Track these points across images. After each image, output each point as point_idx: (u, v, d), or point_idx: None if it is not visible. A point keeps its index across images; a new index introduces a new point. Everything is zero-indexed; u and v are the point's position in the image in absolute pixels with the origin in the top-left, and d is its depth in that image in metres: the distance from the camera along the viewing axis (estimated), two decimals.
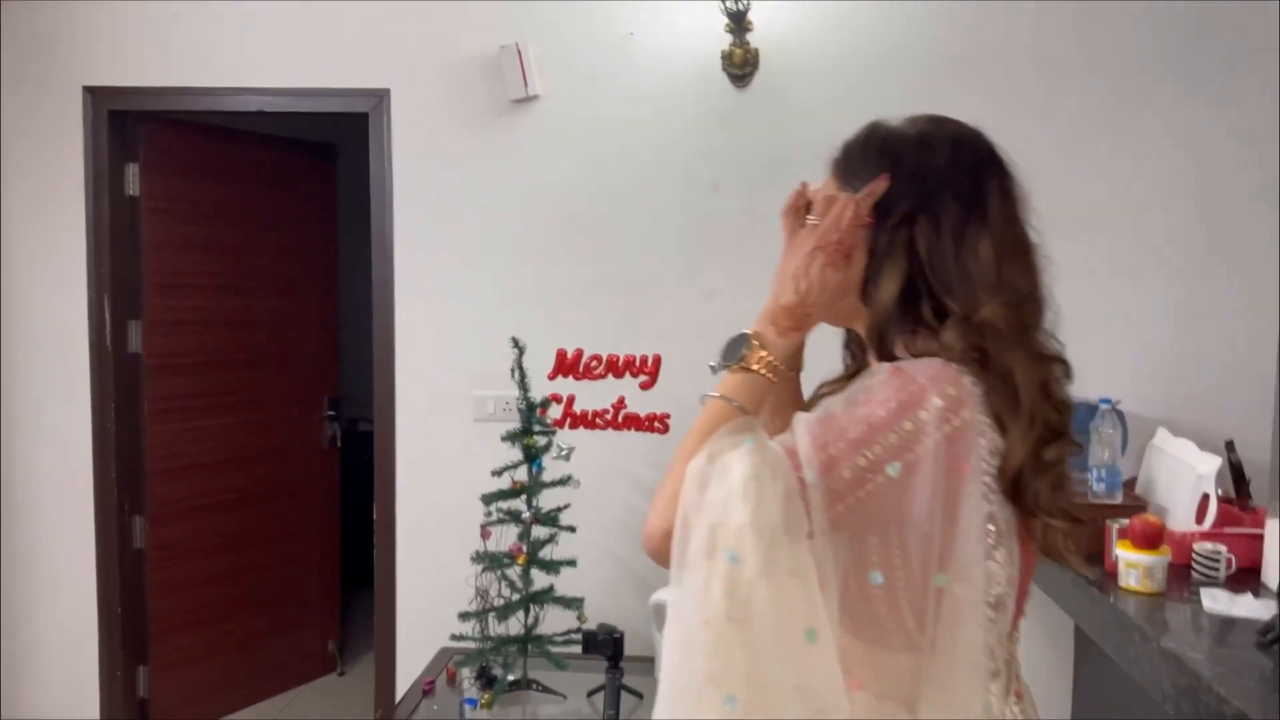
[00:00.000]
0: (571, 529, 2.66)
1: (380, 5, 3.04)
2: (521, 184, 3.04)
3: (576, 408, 3.09)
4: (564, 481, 2.70)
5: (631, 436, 3.07)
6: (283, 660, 3.83)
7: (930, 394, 0.99)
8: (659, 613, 2.75)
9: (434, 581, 3.14)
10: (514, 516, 2.67)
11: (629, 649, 2.64)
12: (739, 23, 2.87)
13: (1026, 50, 2.90)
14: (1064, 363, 1.08)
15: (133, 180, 3.23)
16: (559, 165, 3.03)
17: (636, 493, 3.06)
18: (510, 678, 2.66)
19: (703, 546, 1.00)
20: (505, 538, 2.69)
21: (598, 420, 3.08)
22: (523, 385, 2.67)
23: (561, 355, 3.08)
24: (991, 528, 1.01)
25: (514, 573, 2.69)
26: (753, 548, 0.97)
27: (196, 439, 3.48)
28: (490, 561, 2.67)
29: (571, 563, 2.65)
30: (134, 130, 3.22)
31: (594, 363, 3.07)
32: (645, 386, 3.06)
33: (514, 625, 2.69)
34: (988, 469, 1.00)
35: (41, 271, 3.18)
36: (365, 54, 3.06)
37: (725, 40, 2.91)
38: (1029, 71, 2.89)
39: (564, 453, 2.88)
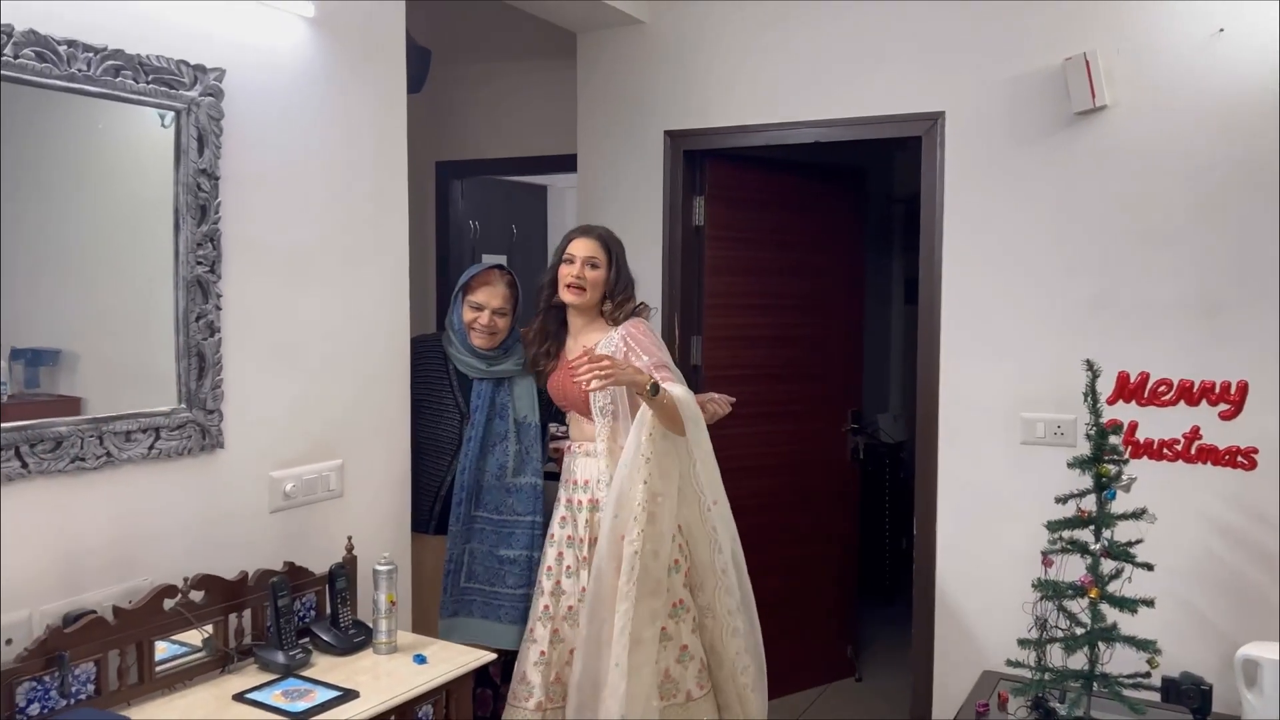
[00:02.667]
0: (1149, 566, 2.49)
1: (935, 32, 3.10)
2: (1083, 198, 2.92)
3: (1139, 435, 2.89)
4: (1138, 515, 2.54)
5: (1206, 471, 2.81)
6: (804, 660, 4.03)
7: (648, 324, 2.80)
8: (1247, 669, 2.49)
9: (972, 603, 3.13)
10: (1079, 547, 2.57)
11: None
12: None
13: None
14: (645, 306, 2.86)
15: (699, 212, 3.61)
16: (1128, 176, 2.86)
17: (1214, 534, 2.79)
18: (1075, 713, 2.55)
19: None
20: (1065, 568, 2.60)
21: (1165, 451, 2.85)
22: (1095, 410, 2.55)
23: (1123, 379, 2.90)
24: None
25: (1075, 605, 2.58)
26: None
27: (740, 444, 3.79)
28: (1052, 590, 2.59)
29: (1149, 602, 2.48)
30: (701, 167, 3.61)
31: (1162, 388, 2.85)
32: (1227, 416, 2.77)
33: (1067, 659, 2.59)
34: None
35: None
36: (920, 80, 3.13)
37: None
38: None
39: (1125, 484, 2.72)
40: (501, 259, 9.23)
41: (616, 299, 2.78)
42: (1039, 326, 3.01)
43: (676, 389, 2.54)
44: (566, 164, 3.97)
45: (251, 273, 2.26)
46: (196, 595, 2.03)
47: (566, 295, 2.77)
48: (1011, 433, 3.06)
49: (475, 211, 9.17)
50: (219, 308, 2.17)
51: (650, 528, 2.54)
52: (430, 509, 2.86)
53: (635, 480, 2.54)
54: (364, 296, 2.56)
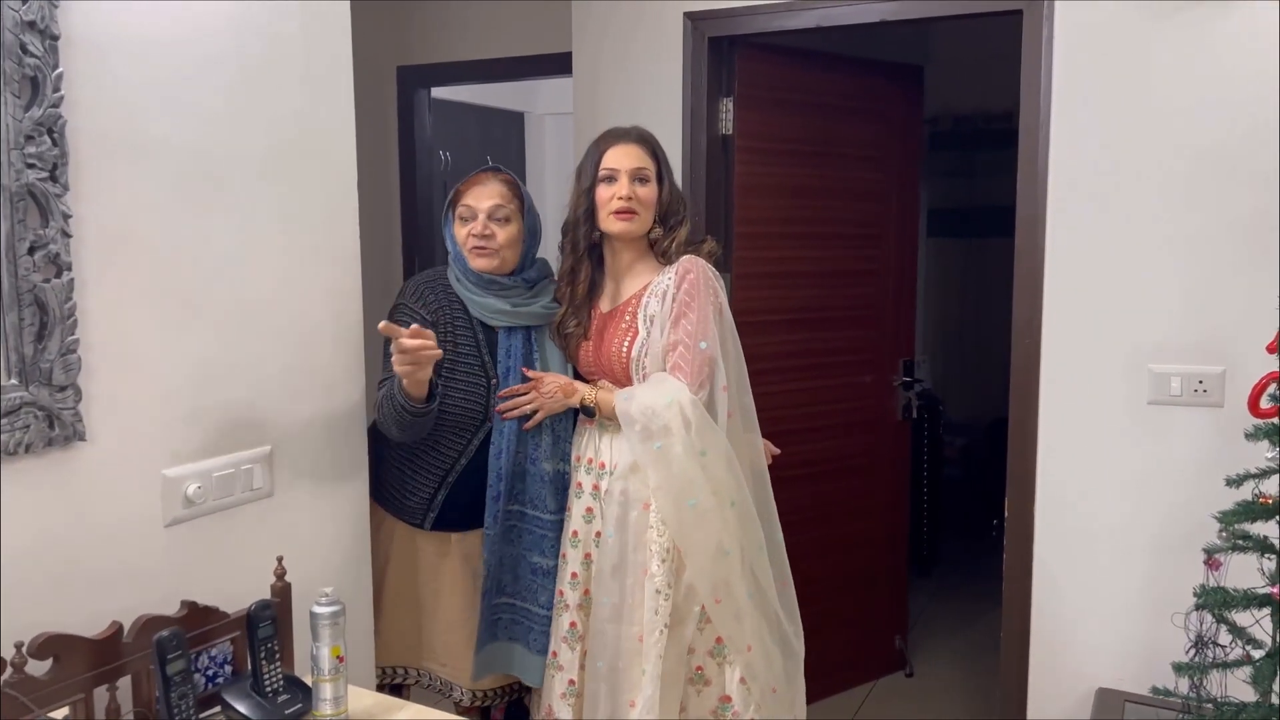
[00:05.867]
0: None
1: None
2: (1245, 85, 2.24)
3: None
4: None
5: None
6: (847, 653, 3.43)
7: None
8: None
9: (1081, 604, 2.51)
10: (1260, 545, 1.94)
11: None
12: None
13: None
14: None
15: (726, 117, 2.90)
16: None
17: None
18: None
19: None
20: (1230, 570, 1.99)
21: None
22: None
23: None
24: None
25: (1246, 618, 1.97)
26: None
27: (771, 405, 3.06)
28: (1221, 600, 1.97)
29: None
30: (729, 60, 2.88)
31: None
32: None
33: (1239, 688, 1.99)
34: None
35: None
36: None
37: None
38: None
39: None
40: None
41: (669, 223, 2.10)
42: (1176, 255, 2.34)
43: (641, 391, 1.99)
44: (559, 64, 3.24)
45: (121, 182, 1.54)
46: (39, 667, 1.36)
47: (614, 225, 2.05)
48: (1136, 390, 2.41)
49: (444, 141, 8.39)
50: (68, 233, 1.45)
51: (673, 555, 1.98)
52: (431, 498, 2.13)
53: (637, 501, 1.99)
54: (296, 218, 1.85)
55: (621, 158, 2.05)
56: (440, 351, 1.88)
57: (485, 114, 7.44)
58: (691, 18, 2.81)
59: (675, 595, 1.95)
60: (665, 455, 1.94)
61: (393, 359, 1.87)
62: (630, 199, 2.03)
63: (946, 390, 5.26)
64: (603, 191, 2.06)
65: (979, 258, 5.48)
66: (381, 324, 1.82)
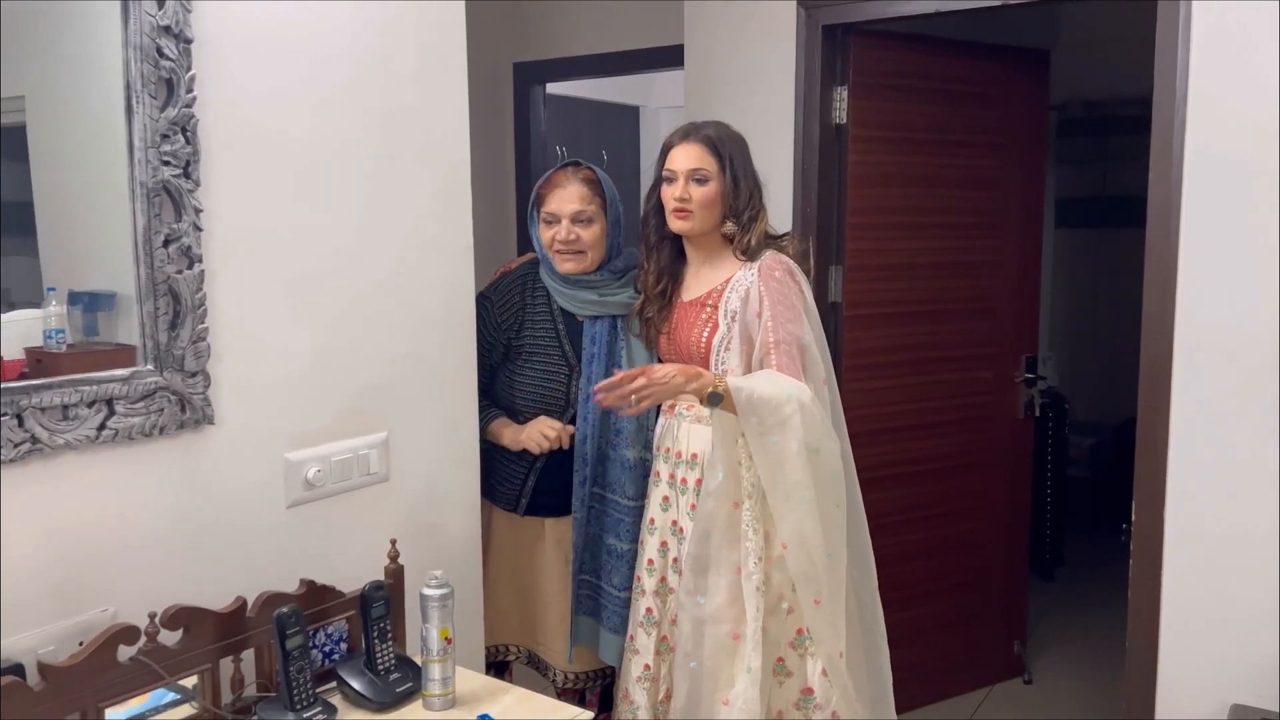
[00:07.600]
0: None
1: None
2: None
3: None
4: None
5: None
6: (961, 657, 3.34)
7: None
8: None
9: (1209, 613, 2.37)
10: None
11: None
12: None
13: None
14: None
15: (840, 106, 2.85)
16: None
17: None
18: None
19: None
20: None
21: None
22: None
23: None
24: None
25: None
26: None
27: (884, 400, 3.07)
28: None
29: None
30: (844, 47, 2.83)
31: None
32: None
33: None
34: None
35: None
36: None
37: None
38: None
39: None
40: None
41: (742, 218, 2.10)
42: None
43: (758, 384, 1.93)
44: (671, 57, 3.24)
45: (247, 177, 1.62)
46: (170, 637, 1.44)
47: (674, 224, 2.11)
48: (1276, 388, 2.26)
49: (560, 135, 8.47)
50: (199, 227, 1.54)
51: (770, 546, 1.99)
52: (521, 484, 2.24)
53: (727, 499, 1.98)
54: (410, 211, 1.90)
55: (680, 159, 2.08)
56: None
57: (601, 108, 7.51)
58: (805, 6, 2.77)
59: (768, 591, 1.95)
60: (780, 451, 1.93)
61: (533, 440, 2.16)
62: (686, 200, 2.06)
63: (1077, 388, 5.05)
64: (665, 191, 2.11)
65: (1112, 249, 5.21)
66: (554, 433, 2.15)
